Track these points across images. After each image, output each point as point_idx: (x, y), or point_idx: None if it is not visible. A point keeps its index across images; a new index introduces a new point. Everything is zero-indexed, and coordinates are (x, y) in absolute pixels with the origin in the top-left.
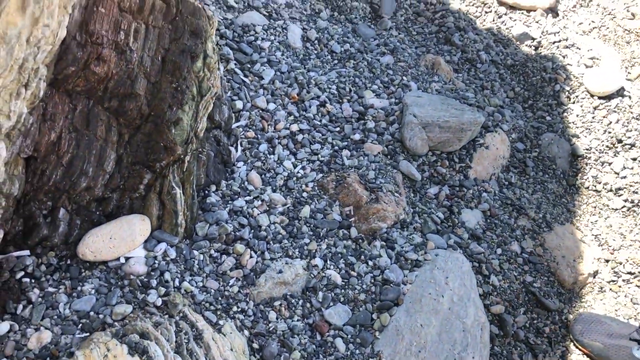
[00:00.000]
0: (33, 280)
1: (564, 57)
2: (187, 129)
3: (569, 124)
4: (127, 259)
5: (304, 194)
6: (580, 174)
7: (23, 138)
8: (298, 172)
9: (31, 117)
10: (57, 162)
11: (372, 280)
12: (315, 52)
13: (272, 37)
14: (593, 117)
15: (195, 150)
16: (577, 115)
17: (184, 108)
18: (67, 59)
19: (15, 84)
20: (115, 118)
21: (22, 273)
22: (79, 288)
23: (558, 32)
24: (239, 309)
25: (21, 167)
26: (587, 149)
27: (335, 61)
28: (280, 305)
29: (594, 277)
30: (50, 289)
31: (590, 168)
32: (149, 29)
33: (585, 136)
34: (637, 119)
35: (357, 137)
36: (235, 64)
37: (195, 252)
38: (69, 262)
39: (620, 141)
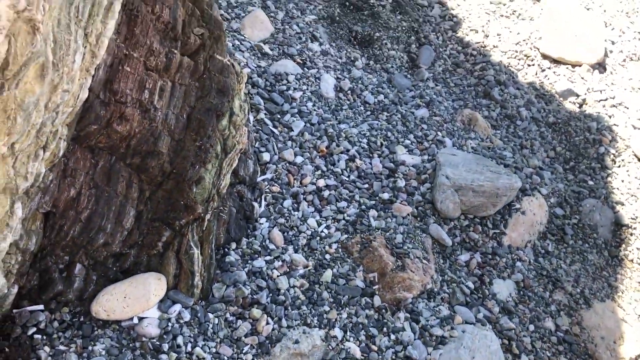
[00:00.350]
0: (44, 337)
1: (610, 116)
2: (209, 187)
3: (613, 190)
4: (140, 319)
5: (327, 256)
6: (624, 245)
7: (42, 194)
8: (322, 232)
9: (51, 173)
10: (76, 217)
11: (394, 357)
12: (348, 102)
13: (305, 87)
14: None
15: (217, 209)
16: (623, 181)
17: (206, 166)
18: (89, 117)
19: (33, 146)
20: (137, 174)
21: (34, 329)
22: (89, 348)
23: (605, 90)
24: None
25: (39, 222)
26: (632, 218)
27: (368, 112)
28: None
29: None
30: (61, 347)
31: (636, 239)
32: (175, 86)
33: (631, 204)
34: None
35: (386, 196)
36: (265, 114)
37: (211, 315)
38: (82, 319)
39: None
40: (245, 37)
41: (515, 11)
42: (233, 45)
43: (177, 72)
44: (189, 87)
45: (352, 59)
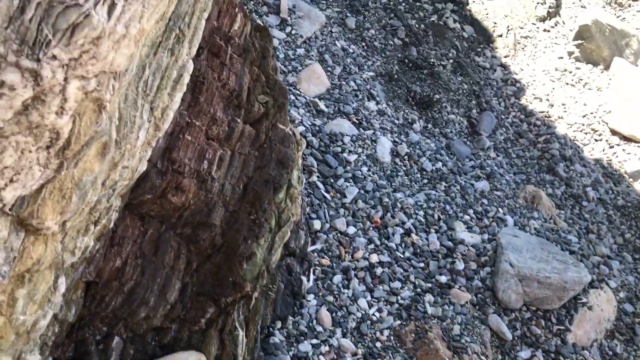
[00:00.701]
0: None
1: None
2: (260, 263)
3: None
4: None
5: (378, 344)
6: None
7: (87, 264)
8: (373, 315)
9: (98, 242)
10: (119, 288)
11: None
12: (404, 168)
13: (360, 150)
14: None
15: (265, 286)
16: None
17: (259, 241)
18: (144, 187)
19: (84, 222)
20: (186, 245)
21: None
22: None
23: None
24: None
25: (80, 291)
26: None
27: (425, 180)
28: None
29: None
30: None
31: None
32: (235, 155)
33: None
34: None
35: (443, 279)
36: (318, 177)
37: None
38: None
39: None
40: (300, 92)
41: (581, 79)
42: (288, 101)
43: (238, 141)
44: (248, 156)
45: (410, 120)
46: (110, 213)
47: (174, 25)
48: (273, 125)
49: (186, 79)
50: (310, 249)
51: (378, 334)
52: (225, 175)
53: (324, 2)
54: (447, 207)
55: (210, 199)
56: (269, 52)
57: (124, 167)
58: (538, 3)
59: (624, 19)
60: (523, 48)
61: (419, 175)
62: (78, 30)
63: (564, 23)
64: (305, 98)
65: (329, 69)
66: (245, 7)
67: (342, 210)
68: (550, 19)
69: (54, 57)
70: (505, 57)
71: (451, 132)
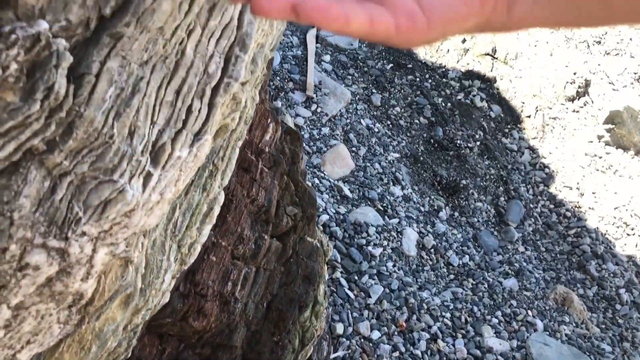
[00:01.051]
0: None
1: None
2: None
3: None
4: None
5: None
6: None
7: None
8: None
9: None
10: None
11: None
12: (431, 263)
13: (385, 242)
14: None
15: None
16: None
17: None
18: (165, 311)
19: None
20: None
21: None
22: None
23: None
24: None
25: None
26: None
27: (452, 276)
28: None
29: None
30: None
31: None
32: (260, 272)
33: None
34: None
35: None
36: (341, 273)
37: None
38: None
39: None
40: (325, 174)
41: (611, 166)
42: (313, 185)
43: (264, 257)
44: (273, 271)
45: (436, 208)
46: (129, 350)
47: (208, 162)
48: (301, 238)
49: (217, 211)
50: (332, 356)
51: None
52: (249, 294)
53: (350, 77)
54: (475, 308)
55: (233, 320)
56: (299, 157)
57: (147, 310)
58: (567, 82)
59: None
60: (552, 130)
61: (445, 270)
62: (110, 206)
63: (592, 102)
64: (330, 181)
65: (354, 149)
66: (272, 84)
67: (366, 312)
68: (579, 99)
69: (83, 234)
70: (534, 139)
71: (478, 221)
